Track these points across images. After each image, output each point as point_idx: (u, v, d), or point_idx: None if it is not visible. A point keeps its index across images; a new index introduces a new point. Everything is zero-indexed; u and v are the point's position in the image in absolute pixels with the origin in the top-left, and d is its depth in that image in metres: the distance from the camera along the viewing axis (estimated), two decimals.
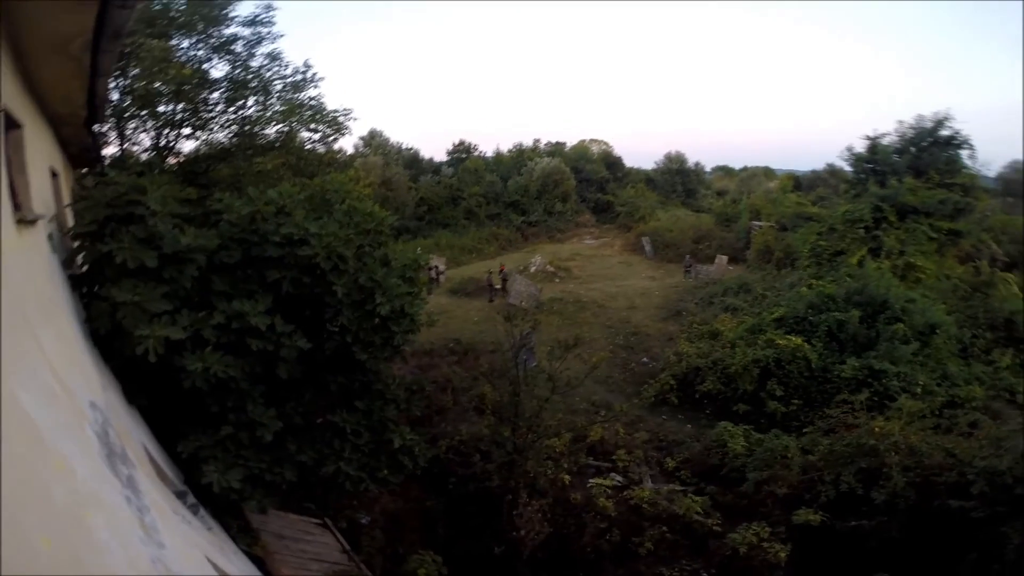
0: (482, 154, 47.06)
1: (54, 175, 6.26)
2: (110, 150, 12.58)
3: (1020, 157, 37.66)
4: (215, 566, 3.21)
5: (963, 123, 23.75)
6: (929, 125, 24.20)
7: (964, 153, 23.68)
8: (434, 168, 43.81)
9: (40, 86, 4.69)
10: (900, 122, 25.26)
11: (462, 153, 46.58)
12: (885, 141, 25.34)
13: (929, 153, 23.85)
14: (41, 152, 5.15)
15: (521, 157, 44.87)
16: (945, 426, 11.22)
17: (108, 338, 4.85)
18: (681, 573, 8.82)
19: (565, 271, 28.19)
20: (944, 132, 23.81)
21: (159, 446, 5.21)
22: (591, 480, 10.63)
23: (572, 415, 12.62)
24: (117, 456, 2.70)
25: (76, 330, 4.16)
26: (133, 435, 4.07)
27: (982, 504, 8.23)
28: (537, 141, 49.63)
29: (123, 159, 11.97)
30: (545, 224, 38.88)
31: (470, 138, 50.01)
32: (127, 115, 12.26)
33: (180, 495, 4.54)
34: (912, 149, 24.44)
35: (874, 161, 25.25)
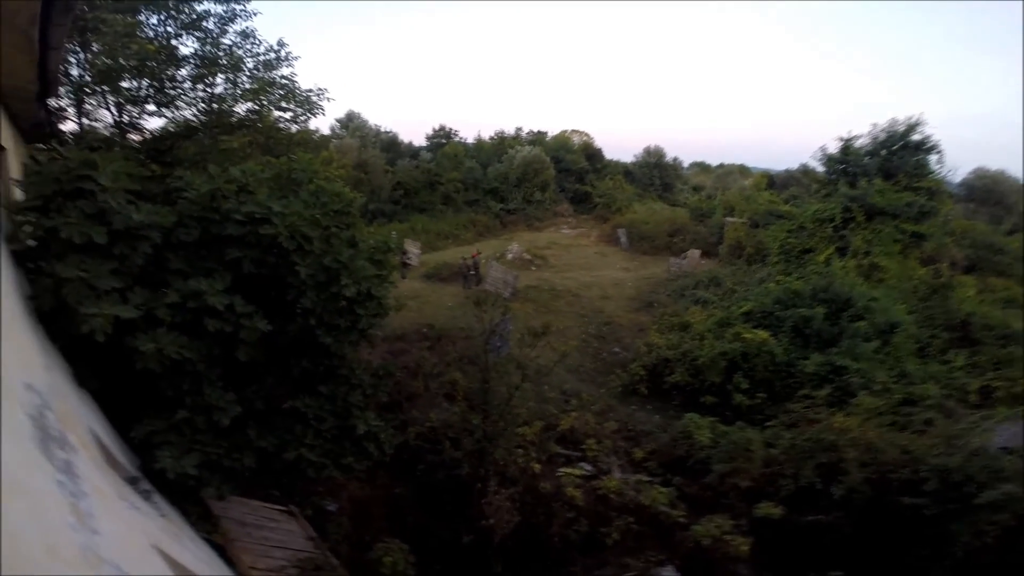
0: (462, 140, 46.63)
1: (1, 149, 5.94)
2: (69, 126, 12.08)
3: (984, 163, 39.14)
4: (163, 553, 3.11)
5: (934, 128, 24.53)
6: (901, 129, 24.88)
7: (932, 158, 24.44)
8: (412, 152, 43.25)
9: None
10: (873, 125, 25.95)
11: (442, 138, 46.07)
12: (857, 143, 25.97)
13: (899, 156, 24.54)
14: None
15: (502, 145, 44.62)
16: (901, 423, 11.50)
17: (53, 316, 4.65)
18: (647, 564, 8.91)
19: (541, 259, 28.26)
20: (915, 137, 24.52)
21: (112, 431, 5.02)
22: (560, 469, 10.71)
23: (543, 403, 12.68)
24: (53, 440, 2.58)
25: (16, 308, 3.96)
26: (80, 419, 3.90)
27: (934, 501, 8.44)
28: (519, 129, 49.38)
29: (82, 135, 11.49)
30: (523, 212, 38.85)
31: (451, 124, 49.49)
32: (87, 90, 11.74)
33: (132, 481, 4.39)
34: (883, 152, 25.09)
35: (846, 162, 25.89)
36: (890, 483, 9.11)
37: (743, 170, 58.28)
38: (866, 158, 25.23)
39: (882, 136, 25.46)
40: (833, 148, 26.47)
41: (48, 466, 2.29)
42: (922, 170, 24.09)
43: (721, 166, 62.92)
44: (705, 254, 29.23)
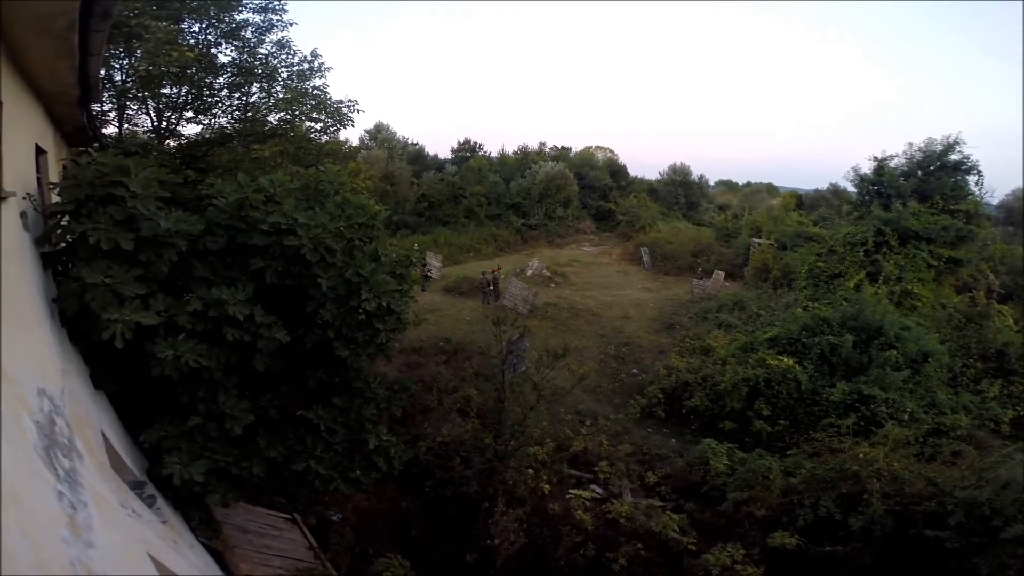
0: (486, 154, 47.05)
1: (41, 153, 6.16)
2: (110, 130, 12.52)
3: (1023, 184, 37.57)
4: (159, 564, 3.11)
5: (972, 147, 23.62)
6: (938, 149, 24.07)
7: (971, 179, 23.53)
8: (438, 165, 43.74)
9: (25, 64, 4.59)
10: (909, 144, 25.16)
11: (466, 152, 46.58)
12: (892, 163, 25.26)
13: (936, 178, 23.66)
14: (25, 130, 5.05)
15: (525, 159, 44.87)
16: (929, 454, 11.20)
17: (76, 320, 4.75)
18: None
19: (562, 276, 28.12)
20: (953, 156, 23.68)
21: (124, 434, 5.09)
22: (571, 491, 10.52)
23: (557, 423, 12.52)
24: (59, 447, 2.61)
25: (40, 311, 4.06)
26: (92, 423, 3.96)
27: (957, 534, 8.24)
28: (543, 144, 49.66)
29: (120, 139, 11.88)
30: (545, 228, 38.84)
31: (476, 137, 50.08)
32: (129, 95, 12.18)
33: (137, 485, 4.43)
34: (919, 173, 24.26)
35: (880, 183, 25.11)
36: (913, 515, 8.89)
37: (771, 189, 57.47)
38: (901, 179, 24.46)
39: (918, 156, 24.63)
40: (866, 168, 25.79)
41: (49, 476, 2.31)
42: (960, 192, 23.16)
43: (748, 185, 62.22)
44: (729, 276, 28.70)
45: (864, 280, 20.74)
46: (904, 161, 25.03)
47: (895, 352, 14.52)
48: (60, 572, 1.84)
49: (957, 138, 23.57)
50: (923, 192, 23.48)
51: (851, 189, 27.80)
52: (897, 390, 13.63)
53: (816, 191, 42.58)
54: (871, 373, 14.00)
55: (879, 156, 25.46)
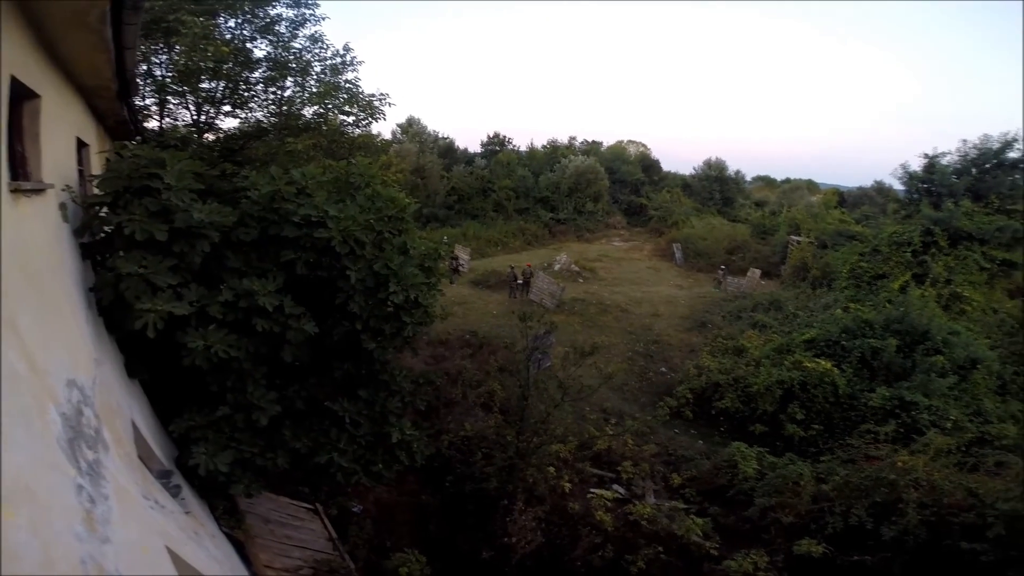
0: (515, 148, 46.82)
1: (83, 146, 6.34)
2: (152, 124, 12.88)
3: None
4: (176, 556, 3.16)
5: None
6: (995, 146, 22.83)
7: None
8: (467, 159, 43.80)
9: (64, 59, 4.71)
10: (963, 141, 23.94)
11: (496, 145, 46.46)
12: (944, 161, 24.06)
13: (992, 176, 22.54)
14: (66, 123, 5.20)
15: (555, 154, 44.52)
16: (971, 464, 10.71)
17: (112, 310, 4.88)
18: None
19: (590, 272, 27.80)
20: (1011, 154, 22.42)
21: (156, 422, 5.21)
22: (592, 490, 10.39)
23: (581, 421, 12.37)
24: (85, 439, 2.66)
25: (76, 301, 4.17)
26: (122, 412, 4.06)
27: (994, 547, 7.94)
28: (572, 139, 49.12)
29: (161, 133, 12.22)
30: (574, 223, 38.48)
31: (505, 131, 49.88)
32: (169, 90, 12.49)
33: (164, 475, 4.53)
34: (973, 170, 23.10)
35: (930, 181, 23.99)
36: (950, 526, 8.61)
37: (811, 186, 55.62)
38: (953, 177, 23.30)
39: (973, 153, 23.44)
40: (916, 165, 24.61)
41: (70, 469, 2.34)
42: (1017, 191, 22.01)
43: (787, 181, 60.26)
44: (766, 274, 27.85)
45: (910, 282, 19.87)
46: (957, 158, 23.89)
47: (941, 358, 13.89)
48: (68, 570, 1.86)
49: (1016, 135, 22.33)
50: (977, 191, 22.35)
51: (898, 187, 26.69)
52: (941, 397, 13.03)
53: (859, 188, 41.01)
54: (914, 379, 13.43)
55: (930, 153, 24.31)
